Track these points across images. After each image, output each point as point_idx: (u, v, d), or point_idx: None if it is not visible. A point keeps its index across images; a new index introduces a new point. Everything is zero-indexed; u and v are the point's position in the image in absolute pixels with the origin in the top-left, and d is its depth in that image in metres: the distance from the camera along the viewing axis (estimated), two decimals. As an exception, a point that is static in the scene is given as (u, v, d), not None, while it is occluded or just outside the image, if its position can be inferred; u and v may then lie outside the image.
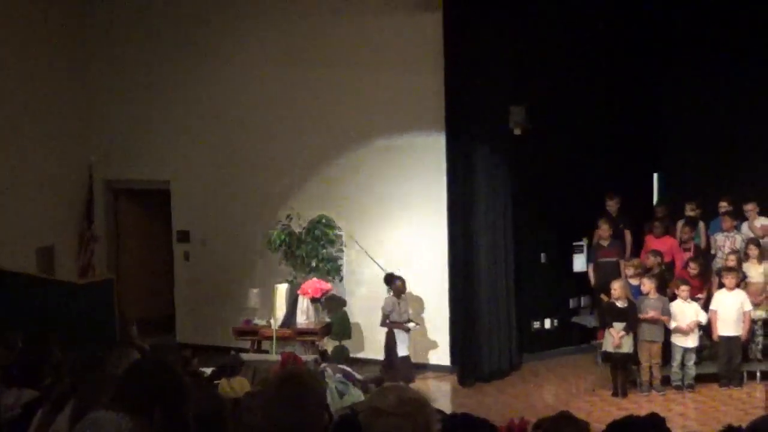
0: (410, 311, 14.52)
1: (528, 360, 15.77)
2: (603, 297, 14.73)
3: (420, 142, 15.44)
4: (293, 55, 16.17)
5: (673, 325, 14.02)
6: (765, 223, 15.53)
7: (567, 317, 16.50)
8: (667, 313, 13.98)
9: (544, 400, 13.32)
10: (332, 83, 15.96)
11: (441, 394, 14.21)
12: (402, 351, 13.98)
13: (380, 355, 15.16)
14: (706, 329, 14.48)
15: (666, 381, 14.21)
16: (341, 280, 15.85)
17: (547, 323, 16.41)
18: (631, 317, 13.86)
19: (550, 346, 16.13)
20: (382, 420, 3.89)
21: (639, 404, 13.22)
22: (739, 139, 16.86)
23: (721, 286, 14.51)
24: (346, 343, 15.06)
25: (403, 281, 14.38)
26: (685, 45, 17.22)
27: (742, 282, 14.50)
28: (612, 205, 15.90)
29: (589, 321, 15.98)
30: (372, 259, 15.42)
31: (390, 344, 14.01)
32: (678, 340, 14.11)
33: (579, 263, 16.39)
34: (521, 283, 15.63)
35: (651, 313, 13.88)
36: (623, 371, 14.03)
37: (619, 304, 13.92)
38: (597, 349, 14.85)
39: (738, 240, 15.33)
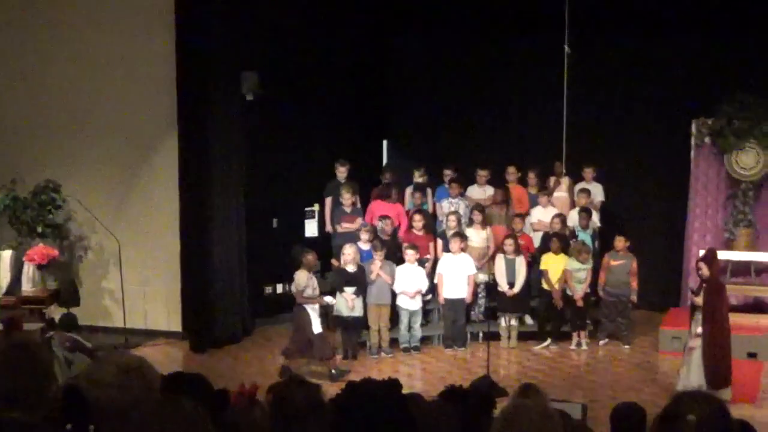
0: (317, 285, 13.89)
1: (260, 325, 15.86)
2: (334, 262, 14.95)
3: (152, 105, 15.14)
4: (16, 15, 15.49)
5: (399, 288, 14.41)
6: (490, 192, 16.20)
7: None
8: (393, 276, 14.36)
9: (276, 364, 13.39)
10: (60, 44, 15.40)
11: (172, 361, 14.01)
12: (317, 327, 13.36)
13: (110, 323, 14.87)
14: (433, 292, 14.99)
15: (394, 343, 14.61)
16: (69, 246, 15.38)
17: (279, 288, 16.52)
18: (360, 281, 14.14)
19: (283, 310, 16.20)
20: (100, 391, 3.82)
21: (368, 366, 13.54)
22: (464, 108, 17.51)
23: (446, 250, 15.02)
24: (74, 310, 14.61)
25: (314, 255, 13.96)
26: (413, 15, 17.71)
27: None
28: (342, 172, 16.12)
29: (321, 285, 16.14)
30: (101, 223, 15.05)
31: (302, 322, 13.33)
32: (404, 303, 14.51)
33: (310, 228, 16.57)
34: (253, 248, 15.63)
35: (375, 273, 14.20)
36: (354, 334, 14.31)
37: (350, 268, 14.17)
38: (329, 313, 15.05)
39: (463, 206, 15.91)
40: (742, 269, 16.00)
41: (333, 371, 13.03)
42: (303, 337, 13.26)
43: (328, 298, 13.90)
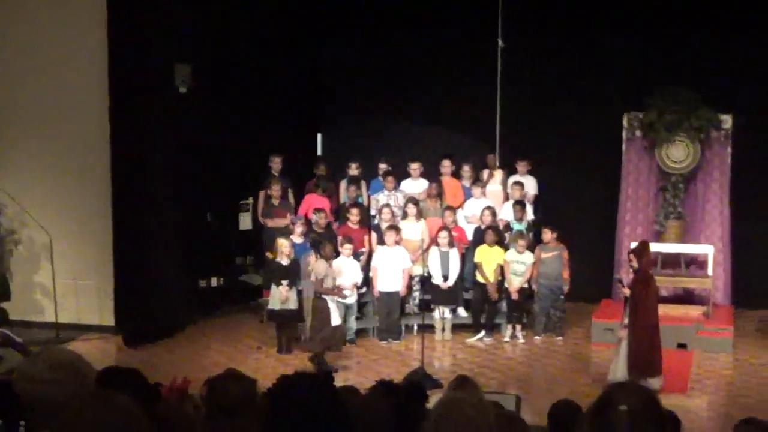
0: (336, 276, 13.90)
1: (195, 319, 15.74)
2: (268, 255, 14.91)
3: (83, 98, 14.94)
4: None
5: (337, 283, 14.39)
6: (425, 185, 16.28)
7: (233, 276, 16.60)
8: (330, 270, 14.35)
9: (211, 358, 13.34)
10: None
11: (105, 356, 13.87)
12: (335, 319, 13.32)
13: (41, 317, 14.69)
14: (368, 285, 15.02)
15: (329, 336, 14.61)
16: (0, 239, 15.18)
17: (214, 282, 16.44)
18: (294, 275, 14.12)
19: (217, 304, 16.17)
20: (33, 387, 3.79)
21: (303, 360, 13.50)
22: (399, 101, 17.55)
23: (381, 243, 15.06)
24: (5, 305, 14.42)
25: (333, 245, 13.97)
26: (348, 8, 17.71)
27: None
28: (276, 164, 16.08)
29: (256, 279, 16.15)
30: (32, 217, 14.87)
31: (322, 313, 13.31)
32: (340, 297, 14.51)
33: (244, 222, 16.52)
34: (187, 242, 15.53)
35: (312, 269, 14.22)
36: (288, 328, 14.29)
37: (284, 262, 14.14)
38: (263, 307, 15.02)
39: (399, 199, 15.97)
40: (672, 261, 16.24)
41: (319, 358, 13.12)
42: (322, 326, 13.26)
43: (347, 291, 13.93)
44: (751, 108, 15.83)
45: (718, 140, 16.23)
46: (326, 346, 13.24)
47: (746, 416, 7.01)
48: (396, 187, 16.22)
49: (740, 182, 16.37)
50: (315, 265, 13.51)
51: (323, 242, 13.99)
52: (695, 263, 16.36)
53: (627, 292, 12.21)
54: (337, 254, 14.47)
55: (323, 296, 13.36)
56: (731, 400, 12.43)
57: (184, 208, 15.41)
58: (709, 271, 15.80)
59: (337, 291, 13.58)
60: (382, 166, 16.57)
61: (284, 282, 14.02)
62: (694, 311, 15.32)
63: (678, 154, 15.91)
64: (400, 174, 16.49)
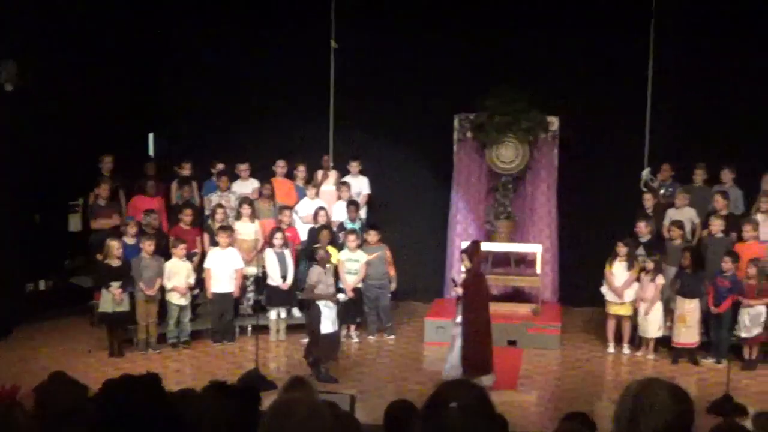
0: (331, 282, 13.37)
1: (22, 323, 15.27)
2: (98, 257, 14.59)
3: None
4: None
5: (169, 285, 14.22)
6: (256, 186, 16.24)
7: (63, 278, 16.20)
8: (162, 271, 14.17)
9: (40, 363, 12.97)
10: None
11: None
12: (327, 327, 12.81)
13: None
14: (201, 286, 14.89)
15: (162, 339, 14.42)
16: None
17: (42, 285, 16.01)
18: (126, 276, 13.88)
19: (46, 308, 15.73)
20: None
21: (136, 363, 13.29)
22: (233, 101, 17.44)
23: (213, 244, 14.94)
24: None
25: (326, 251, 13.46)
26: (182, 6, 17.49)
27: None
28: (107, 164, 15.78)
29: (86, 281, 15.78)
30: None
31: (314, 320, 12.85)
32: (173, 299, 14.34)
33: (74, 223, 16.14)
34: (14, 244, 15.06)
35: (147, 273, 14.01)
36: (120, 331, 14.03)
37: (114, 263, 13.88)
38: (93, 309, 14.71)
39: (232, 200, 15.87)
40: (502, 260, 16.58)
41: (322, 371, 12.79)
42: (315, 335, 12.90)
43: (341, 296, 13.54)
44: (577, 110, 16.31)
45: (546, 142, 16.67)
46: (323, 354, 12.91)
47: (572, 410, 7.24)
48: (229, 188, 16.13)
49: (567, 183, 16.85)
50: (311, 270, 13.19)
51: (315, 248, 13.75)
52: (524, 262, 16.75)
53: (460, 291, 12.41)
54: (169, 255, 14.30)
55: (316, 303, 12.97)
56: (558, 394, 12.78)
57: (11, 209, 14.97)
58: (538, 270, 16.21)
59: (329, 297, 13.15)
60: (219, 166, 16.48)
61: (114, 284, 13.75)
62: (524, 309, 15.69)
63: (508, 155, 16.26)
64: (234, 175, 16.41)
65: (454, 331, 12.46)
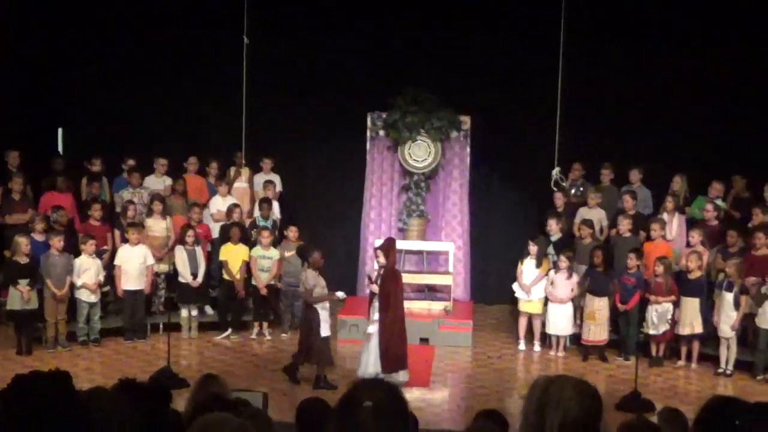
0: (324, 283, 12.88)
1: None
2: (6, 253, 14.33)
3: None
4: None
5: (78, 282, 14.03)
6: (169, 182, 16.12)
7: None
8: (72, 268, 13.98)
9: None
10: None
11: None
12: (324, 331, 12.51)
13: None
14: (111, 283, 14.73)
15: (72, 336, 14.22)
16: None
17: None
18: (34, 273, 13.66)
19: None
20: None
21: (45, 361, 13.06)
22: (143, 97, 17.24)
23: (124, 240, 14.77)
24: None
25: (321, 253, 12.94)
26: (96, 2, 17.27)
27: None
28: (14, 159, 15.51)
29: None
30: None
31: (312, 324, 12.51)
32: (83, 296, 14.15)
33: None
34: None
35: (56, 270, 13.81)
36: (28, 329, 13.80)
37: (22, 260, 13.64)
38: (1, 307, 14.45)
39: (144, 196, 15.73)
40: (415, 258, 16.67)
41: (321, 378, 12.59)
42: (308, 339, 12.62)
43: (339, 294, 13.17)
44: (488, 110, 16.46)
45: (458, 140, 16.80)
46: (318, 359, 12.68)
47: (484, 407, 7.31)
48: (141, 184, 15.97)
49: (478, 182, 17.00)
50: (307, 274, 12.81)
51: (311, 250, 13.40)
52: (437, 260, 16.85)
53: (375, 288, 12.42)
54: (78, 252, 14.11)
55: (315, 306, 12.70)
56: (470, 392, 12.90)
57: None
58: (450, 268, 16.33)
59: (330, 297, 12.90)
60: (130, 162, 16.32)
61: (22, 281, 13.53)
62: (436, 307, 15.79)
63: (420, 153, 16.37)
64: (147, 171, 16.25)
65: (369, 330, 12.46)
